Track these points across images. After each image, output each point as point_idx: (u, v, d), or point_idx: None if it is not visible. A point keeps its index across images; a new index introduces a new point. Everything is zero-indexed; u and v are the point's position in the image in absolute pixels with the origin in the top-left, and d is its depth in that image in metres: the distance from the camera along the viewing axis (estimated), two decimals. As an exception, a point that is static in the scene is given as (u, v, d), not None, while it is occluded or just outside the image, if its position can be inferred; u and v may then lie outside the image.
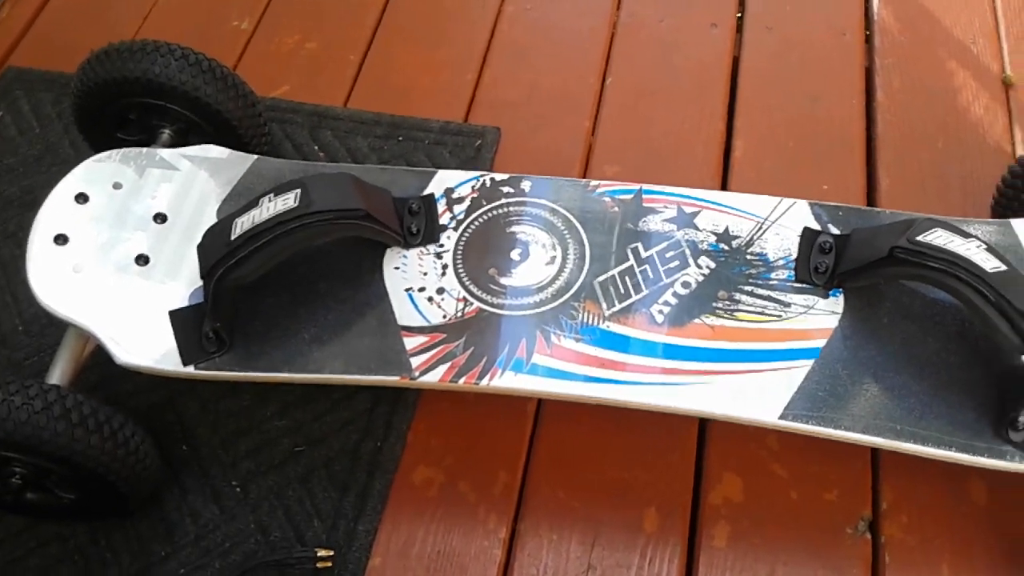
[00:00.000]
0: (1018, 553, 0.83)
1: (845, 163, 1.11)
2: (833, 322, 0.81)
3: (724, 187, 1.11)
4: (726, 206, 0.89)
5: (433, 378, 0.79)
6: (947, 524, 0.85)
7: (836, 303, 0.83)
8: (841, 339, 0.81)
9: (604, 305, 0.82)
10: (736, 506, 0.87)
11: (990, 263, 0.74)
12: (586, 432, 0.90)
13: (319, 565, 0.82)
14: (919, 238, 0.77)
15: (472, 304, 0.83)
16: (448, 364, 0.79)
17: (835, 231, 0.86)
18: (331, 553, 0.83)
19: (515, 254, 0.86)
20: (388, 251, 0.86)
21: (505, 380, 0.79)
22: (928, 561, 0.83)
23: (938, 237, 0.77)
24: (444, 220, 0.88)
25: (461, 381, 0.78)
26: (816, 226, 0.87)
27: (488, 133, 1.16)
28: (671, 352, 0.80)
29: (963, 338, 0.80)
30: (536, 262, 0.85)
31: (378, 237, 0.85)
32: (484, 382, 0.78)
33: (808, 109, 1.17)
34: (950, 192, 1.07)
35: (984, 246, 0.76)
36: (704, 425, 0.91)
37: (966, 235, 0.78)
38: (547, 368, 0.79)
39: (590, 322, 0.82)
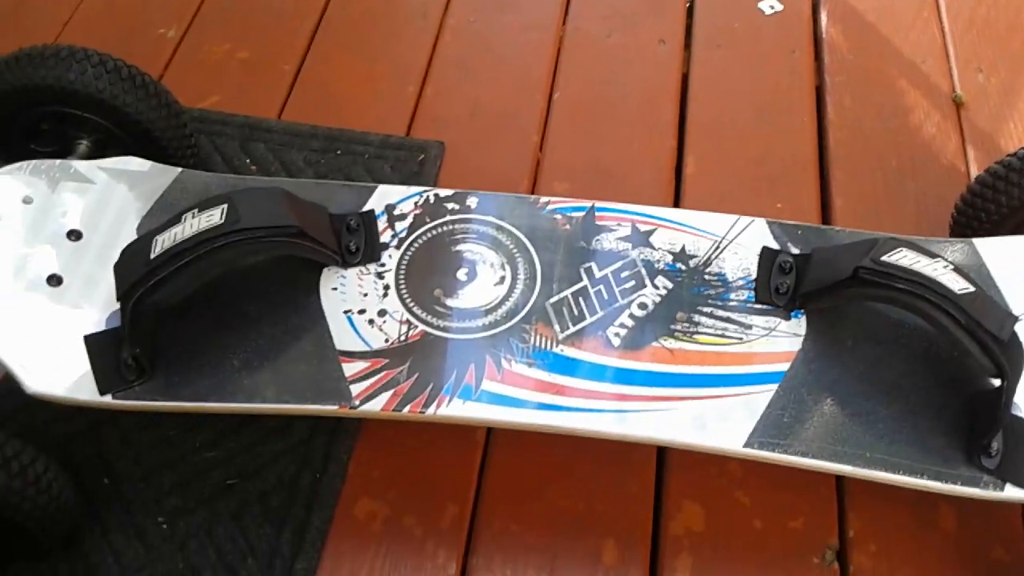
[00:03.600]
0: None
1: (798, 181, 1.09)
2: (796, 344, 0.78)
3: (677, 205, 1.07)
4: (682, 224, 0.85)
5: (375, 407, 0.73)
6: (916, 552, 0.81)
7: (798, 325, 0.79)
8: (804, 362, 0.77)
9: (557, 328, 0.78)
10: (698, 536, 0.82)
11: (958, 284, 0.72)
12: (540, 461, 0.85)
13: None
14: (884, 258, 0.74)
15: (416, 327, 0.77)
16: (391, 391, 0.73)
17: (795, 250, 0.83)
18: (262, 600, 0.76)
19: (462, 274, 0.80)
20: (325, 271, 0.80)
21: (453, 408, 0.73)
22: None
23: (903, 257, 0.74)
24: (385, 238, 0.82)
25: (406, 410, 0.73)
26: (775, 245, 0.84)
27: (431, 147, 1.11)
28: (628, 377, 0.75)
29: (930, 360, 0.77)
30: (484, 282, 0.80)
31: (313, 256, 0.78)
32: (431, 411, 0.73)
33: (759, 127, 1.14)
34: (905, 211, 1.05)
35: (951, 266, 0.74)
36: (663, 452, 0.86)
37: (932, 255, 0.75)
38: (497, 395, 0.74)
39: (542, 346, 0.76)
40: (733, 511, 0.83)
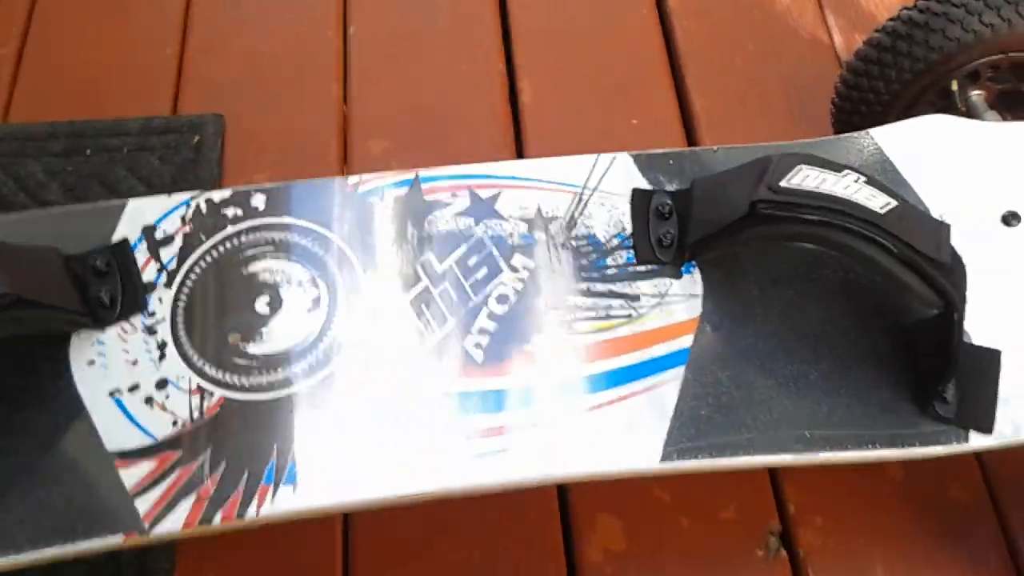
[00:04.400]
0: (949, 521, 0.70)
1: (649, 86, 0.93)
2: (695, 309, 0.63)
3: (519, 140, 0.90)
4: (531, 179, 0.67)
5: (174, 525, 0.53)
6: (866, 512, 0.70)
7: (693, 282, 0.64)
8: (710, 330, 0.62)
9: (400, 353, 0.59)
10: (620, 556, 0.68)
11: (878, 201, 0.58)
12: (417, 514, 0.68)
13: None
14: (784, 183, 0.59)
15: (212, 395, 0.57)
16: (192, 497, 0.54)
17: (671, 187, 0.67)
18: None
19: (262, 305, 0.61)
20: (74, 339, 0.59)
21: (283, 501, 0.54)
22: (858, 563, 0.68)
23: (806, 178, 0.59)
24: (149, 275, 0.61)
25: (216, 519, 0.53)
26: (646, 184, 0.67)
27: (207, 124, 0.89)
28: (502, 401, 0.58)
29: (851, 294, 0.64)
30: (294, 311, 0.60)
31: (48, 325, 0.57)
32: (251, 512, 0.54)
33: (594, 29, 0.97)
34: (774, 103, 0.91)
35: (864, 179, 0.59)
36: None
37: (837, 168, 0.60)
38: (329, 473, 0.55)
39: (385, 382, 0.58)
40: (654, 513, 0.69)
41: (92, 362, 0.58)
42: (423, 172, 0.67)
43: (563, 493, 0.70)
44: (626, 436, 0.57)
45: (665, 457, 0.57)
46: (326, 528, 0.68)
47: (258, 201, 0.65)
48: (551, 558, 0.68)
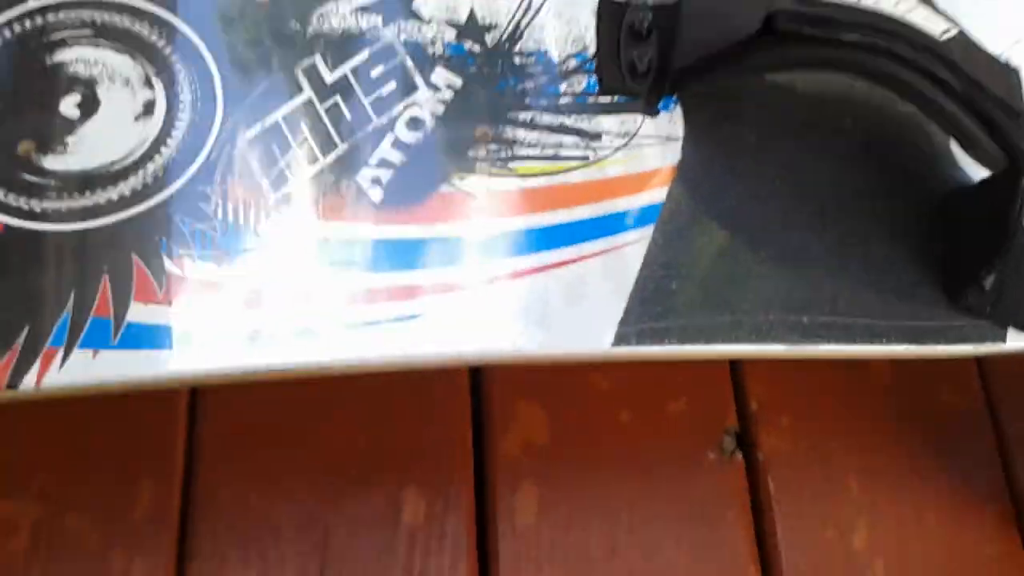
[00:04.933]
0: (938, 431, 0.57)
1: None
2: (672, 154, 0.47)
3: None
4: (465, -25, 0.50)
5: (-88, 393, 0.37)
6: (844, 416, 0.57)
7: (671, 121, 0.48)
8: (688, 183, 0.47)
9: (264, 184, 0.43)
10: (542, 451, 0.54)
11: (936, 25, 0.42)
12: (282, 397, 0.52)
13: None
14: (810, -9, 0.43)
15: (-13, 220, 0.40)
16: (-55, 356, 0.37)
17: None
18: None
19: (69, 105, 0.43)
20: None
21: (75, 369, 0.38)
22: (828, 473, 0.55)
23: (839, -16, 0.43)
24: (-90, 54, 0.43)
25: (-23, 390, 0.37)
26: (616, -6, 0.51)
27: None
28: (403, 255, 0.42)
29: (872, 150, 0.49)
30: (114, 117, 0.43)
31: None
32: (29, 380, 0.37)
33: None
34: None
35: (915, -9, 0.44)
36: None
37: (877, -27, 0.45)
38: (163, 330, 0.39)
39: (240, 221, 0.42)
40: (588, 402, 0.55)
41: None
42: (316, -52, 0.49)
43: (476, 372, 0.55)
44: (570, 309, 0.42)
45: (620, 339, 0.42)
46: (167, 404, 0.51)
47: (78, -34, 0.46)
48: (455, 451, 0.53)
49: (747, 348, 0.43)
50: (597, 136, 0.47)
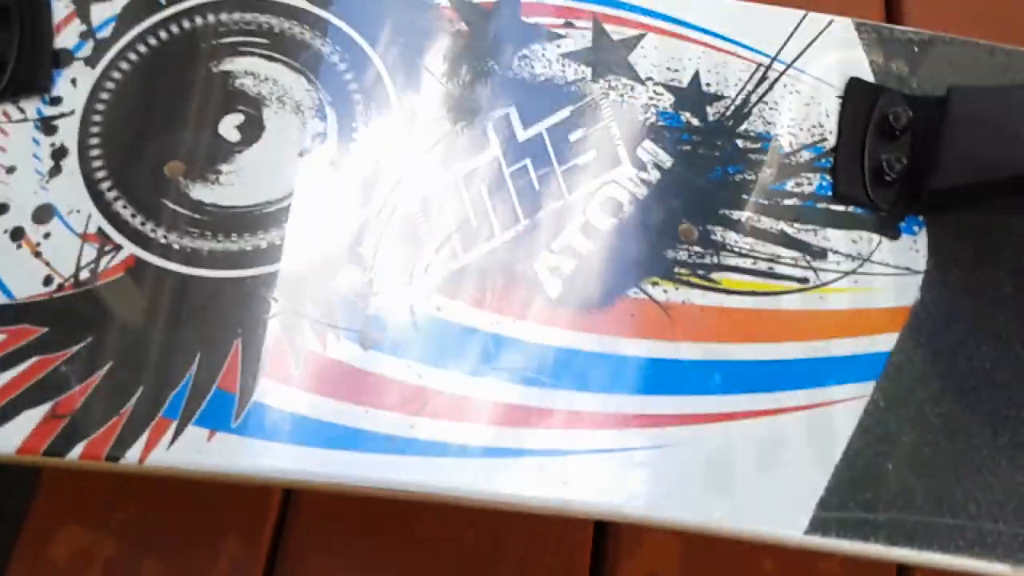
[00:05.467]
0: None
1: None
2: (909, 294, 0.39)
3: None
4: (692, 27, 0.42)
5: (6, 442, 0.32)
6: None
7: (914, 249, 0.40)
8: (926, 335, 0.38)
9: (428, 258, 0.37)
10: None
11: None
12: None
13: None
14: None
15: (120, 249, 0.35)
16: (46, 406, 0.33)
17: (908, 90, 0.42)
18: None
19: (229, 127, 0.37)
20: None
21: (186, 449, 0.33)
22: None
23: None
24: (67, 40, 0.38)
25: (75, 452, 0.32)
26: (870, 75, 0.42)
27: None
28: (572, 370, 0.36)
29: None
30: (278, 146, 0.37)
31: None
32: (131, 456, 0.32)
33: None
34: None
35: None
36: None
37: None
38: (297, 419, 0.34)
39: (394, 298, 0.36)
40: (728, 543, 0.47)
41: (-54, 154, 0.36)
42: (527, -28, 0.42)
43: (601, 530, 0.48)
44: (761, 476, 0.35)
45: (816, 526, 0.35)
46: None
47: (261, -38, 0.40)
48: (574, 562, 0.46)
49: (966, 562, 0.35)
50: (822, 254, 0.39)
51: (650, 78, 0.41)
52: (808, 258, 0.39)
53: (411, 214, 0.36)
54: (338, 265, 0.35)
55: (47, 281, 0.34)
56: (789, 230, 0.39)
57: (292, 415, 0.33)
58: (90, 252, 0.35)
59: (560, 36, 0.40)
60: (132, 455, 0.32)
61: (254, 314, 0.34)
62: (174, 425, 0.33)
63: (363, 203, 0.36)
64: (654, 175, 0.39)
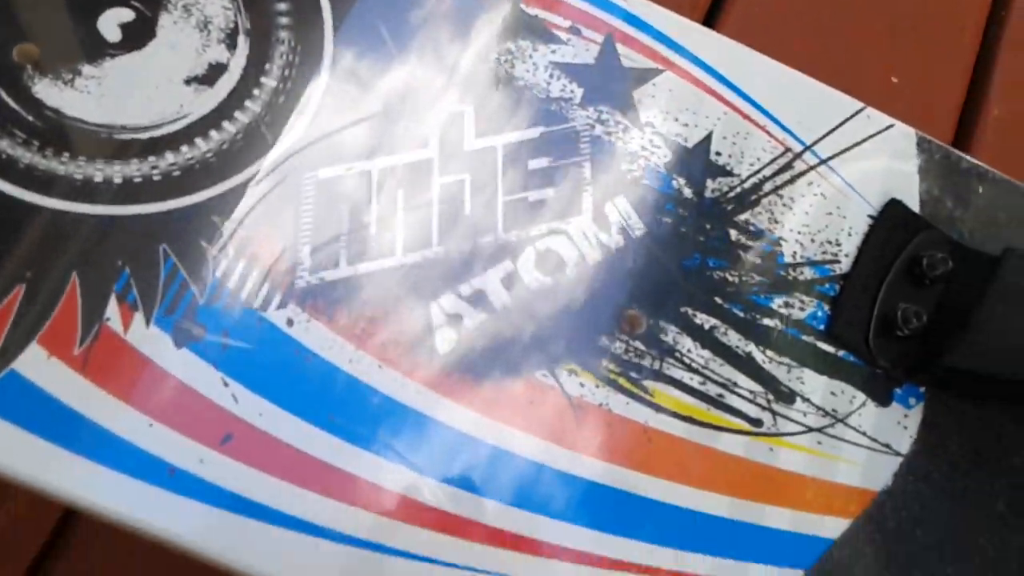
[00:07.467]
0: None
1: (941, 30, 0.58)
2: (883, 473, 0.31)
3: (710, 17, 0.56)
4: (726, 81, 0.34)
5: None
6: None
7: (901, 425, 0.32)
8: (883, 534, 0.30)
9: (303, 254, 0.29)
10: None
11: None
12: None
13: None
14: None
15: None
16: None
17: (956, 233, 0.34)
18: None
19: (111, 23, 0.29)
20: None
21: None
22: None
23: None
24: None
25: None
26: (916, 202, 0.34)
27: None
28: (440, 449, 0.28)
29: None
30: (164, 62, 0.29)
31: None
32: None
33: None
34: None
35: None
36: None
37: None
38: (49, 400, 0.26)
39: (234, 288, 0.28)
40: None
41: None
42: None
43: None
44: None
45: None
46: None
47: None
48: None
49: None
50: (790, 397, 0.31)
51: (651, 124, 0.33)
52: (771, 397, 0.31)
53: (298, 194, 0.29)
54: (178, 228, 0.27)
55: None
56: (759, 357, 0.31)
57: (50, 397, 0.25)
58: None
59: (559, 40, 0.33)
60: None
61: (51, 258, 0.26)
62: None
63: (241, 163, 0.28)
64: (616, 240, 0.31)
